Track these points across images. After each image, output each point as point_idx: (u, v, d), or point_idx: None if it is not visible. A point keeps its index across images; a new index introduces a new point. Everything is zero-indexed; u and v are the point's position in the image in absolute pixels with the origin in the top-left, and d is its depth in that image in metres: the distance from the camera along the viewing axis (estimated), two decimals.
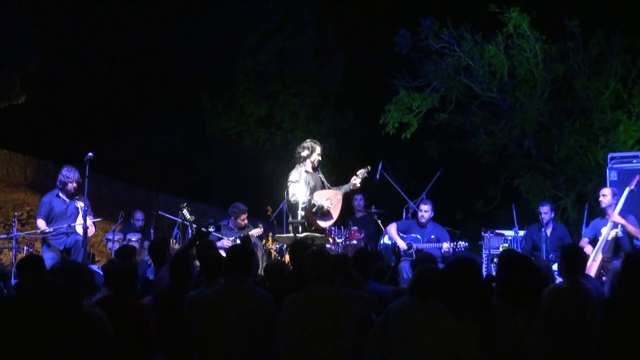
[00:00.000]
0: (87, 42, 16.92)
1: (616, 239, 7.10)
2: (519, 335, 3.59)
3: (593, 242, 7.39)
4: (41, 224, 7.71)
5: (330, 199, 7.34)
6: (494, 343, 3.54)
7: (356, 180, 7.47)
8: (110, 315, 4.21)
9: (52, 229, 7.65)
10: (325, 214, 7.26)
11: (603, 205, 7.41)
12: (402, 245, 8.27)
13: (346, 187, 7.52)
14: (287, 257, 6.91)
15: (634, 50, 12.52)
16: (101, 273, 6.14)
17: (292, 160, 7.80)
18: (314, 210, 7.19)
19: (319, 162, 7.59)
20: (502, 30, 13.03)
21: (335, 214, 7.40)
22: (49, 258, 7.56)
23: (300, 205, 7.20)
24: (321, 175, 7.63)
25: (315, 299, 3.98)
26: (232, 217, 8.86)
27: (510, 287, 3.72)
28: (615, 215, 7.14)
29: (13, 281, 7.40)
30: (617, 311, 4.12)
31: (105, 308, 4.27)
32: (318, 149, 7.52)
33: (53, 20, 15.67)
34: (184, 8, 17.64)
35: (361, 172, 7.59)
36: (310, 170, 7.53)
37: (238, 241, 8.19)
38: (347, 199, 8.29)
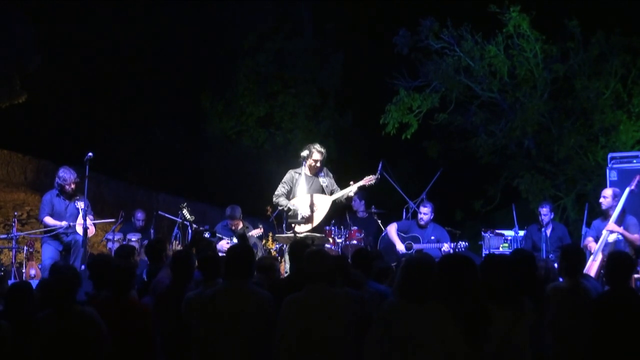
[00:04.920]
0: (87, 42, 16.93)
1: (616, 242, 7.08)
2: (506, 335, 3.60)
3: (596, 240, 7.36)
4: (50, 220, 7.69)
5: (315, 205, 7.26)
6: (486, 343, 3.56)
7: (352, 188, 7.41)
8: (110, 316, 4.22)
9: (64, 223, 7.62)
10: (298, 221, 7.15)
11: (604, 206, 7.38)
12: (400, 247, 8.25)
13: (338, 195, 7.45)
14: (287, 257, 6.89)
15: (634, 50, 12.51)
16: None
17: (291, 160, 7.79)
18: (289, 214, 7.20)
19: (317, 167, 7.51)
20: (502, 30, 13.03)
21: (317, 219, 7.30)
22: (48, 258, 7.57)
23: (279, 205, 7.36)
24: (322, 180, 7.54)
25: (315, 299, 3.98)
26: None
27: (489, 288, 3.73)
28: (611, 224, 7.11)
29: (12, 281, 7.42)
30: (603, 310, 4.14)
31: (104, 309, 4.28)
32: (315, 155, 7.40)
33: (53, 20, 15.68)
34: (184, 8, 17.66)
35: (367, 179, 7.52)
36: (309, 173, 7.48)
37: (235, 240, 8.19)
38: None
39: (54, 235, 7.66)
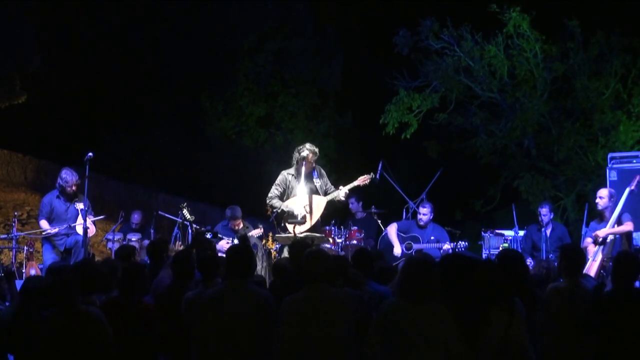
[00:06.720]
0: (87, 42, 16.95)
1: (614, 240, 7.08)
2: (503, 336, 3.60)
3: (593, 242, 7.36)
4: (44, 224, 7.69)
5: (310, 205, 7.23)
6: (485, 343, 3.57)
7: (342, 191, 7.40)
8: (116, 317, 4.22)
9: (57, 229, 7.62)
10: (299, 221, 7.12)
11: (599, 207, 7.37)
12: (397, 250, 8.22)
13: (333, 195, 7.45)
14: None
15: (634, 50, 12.52)
16: None
17: (291, 161, 7.79)
18: (284, 215, 7.22)
19: (311, 166, 7.49)
20: (502, 30, 13.03)
21: (313, 219, 7.27)
22: (49, 259, 7.57)
23: (273, 208, 7.38)
24: (316, 180, 7.53)
25: (314, 299, 3.98)
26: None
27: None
28: (602, 232, 7.10)
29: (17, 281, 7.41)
30: (607, 309, 4.13)
31: (111, 310, 4.29)
32: (309, 155, 7.38)
33: (53, 20, 15.68)
34: (184, 8, 17.66)
35: (362, 179, 7.51)
36: (303, 174, 7.47)
37: (236, 241, 8.19)
38: (345, 201, 8.25)
39: (55, 236, 7.66)
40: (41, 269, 8.22)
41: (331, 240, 8.24)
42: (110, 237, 9.42)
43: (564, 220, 12.83)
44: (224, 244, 8.28)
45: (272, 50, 17.86)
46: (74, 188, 7.72)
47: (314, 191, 7.41)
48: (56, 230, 7.61)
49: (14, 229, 8.84)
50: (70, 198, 7.76)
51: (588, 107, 12.68)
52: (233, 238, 8.46)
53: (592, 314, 4.17)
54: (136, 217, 9.99)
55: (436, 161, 13.87)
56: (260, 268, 7.95)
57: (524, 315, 3.73)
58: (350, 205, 9.47)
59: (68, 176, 7.69)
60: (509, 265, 4.26)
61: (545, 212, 8.27)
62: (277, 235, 7.71)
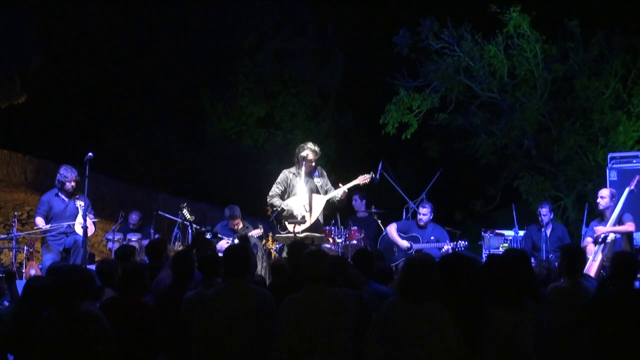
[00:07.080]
0: (87, 42, 16.95)
1: (614, 240, 7.08)
2: (509, 336, 3.60)
3: (593, 242, 7.36)
4: (40, 221, 7.69)
5: (310, 204, 7.23)
6: (484, 342, 3.57)
7: (339, 190, 7.42)
8: (117, 317, 4.23)
9: (49, 226, 7.62)
10: (298, 221, 7.13)
11: (601, 207, 7.38)
12: (404, 244, 8.23)
13: (334, 194, 7.45)
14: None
15: (634, 50, 12.52)
16: None
17: (291, 161, 7.80)
18: (284, 214, 7.22)
19: (312, 165, 7.50)
20: (502, 30, 13.04)
21: (313, 218, 7.31)
22: (48, 259, 7.57)
23: (273, 206, 7.38)
24: (317, 180, 7.53)
25: (313, 299, 3.98)
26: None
27: (492, 289, 3.73)
28: (601, 228, 7.10)
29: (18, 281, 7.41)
30: (606, 309, 4.13)
31: (112, 310, 4.29)
32: (310, 154, 7.40)
33: (53, 20, 15.69)
34: (184, 8, 17.66)
35: (362, 178, 7.52)
36: (304, 172, 7.46)
37: (236, 241, 8.20)
38: (348, 199, 8.27)
39: (54, 236, 7.66)
40: (41, 269, 8.22)
41: (331, 240, 8.23)
42: (110, 237, 9.41)
43: (564, 220, 12.83)
44: (224, 244, 8.28)
45: (272, 50, 17.87)
46: (73, 184, 7.73)
47: (315, 190, 7.43)
48: (48, 226, 7.60)
49: (14, 229, 8.83)
50: (70, 195, 7.76)
51: (588, 107, 12.68)
52: (233, 238, 8.47)
53: (593, 307, 4.17)
54: (134, 218, 9.98)
55: (436, 161, 13.86)
56: (260, 268, 7.95)
57: (534, 317, 3.73)
58: (354, 202, 9.47)
59: (67, 172, 7.72)
60: (514, 265, 4.26)
61: (545, 212, 8.27)
62: (277, 235, 7.72)
